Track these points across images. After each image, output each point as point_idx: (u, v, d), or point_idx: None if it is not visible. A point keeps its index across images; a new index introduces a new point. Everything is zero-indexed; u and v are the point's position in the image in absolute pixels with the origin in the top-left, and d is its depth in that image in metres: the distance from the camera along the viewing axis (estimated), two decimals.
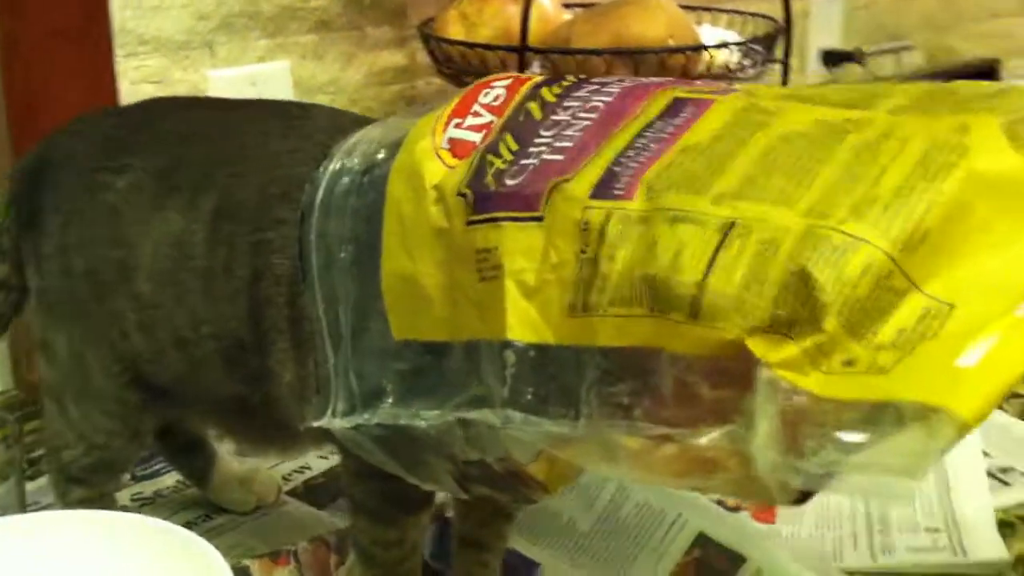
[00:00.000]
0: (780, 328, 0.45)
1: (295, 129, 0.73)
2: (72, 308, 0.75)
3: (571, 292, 0.51)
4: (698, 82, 0.58)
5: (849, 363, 0.44)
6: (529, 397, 0.53)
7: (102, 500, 0.80)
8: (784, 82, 1.21)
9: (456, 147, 0.59)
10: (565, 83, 0.59)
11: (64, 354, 0.76)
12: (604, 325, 0.50)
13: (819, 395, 0.44)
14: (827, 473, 0.44)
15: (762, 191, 0.48)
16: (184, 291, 0.71)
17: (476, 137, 0.59)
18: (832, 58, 1.74)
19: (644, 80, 0.58)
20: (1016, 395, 1.12)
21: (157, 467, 0.98)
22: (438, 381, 0.58)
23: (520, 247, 0.53)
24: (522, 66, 1.07)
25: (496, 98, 0.60)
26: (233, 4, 1.18)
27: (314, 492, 0.95)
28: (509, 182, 0.55)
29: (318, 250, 0.63)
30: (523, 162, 0.55)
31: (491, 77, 0.63)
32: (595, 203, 0.51)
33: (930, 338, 0.44)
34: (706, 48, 1.11)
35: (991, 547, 0.86)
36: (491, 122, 0.59)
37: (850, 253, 0.45)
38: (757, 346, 0.45)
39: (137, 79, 1.13)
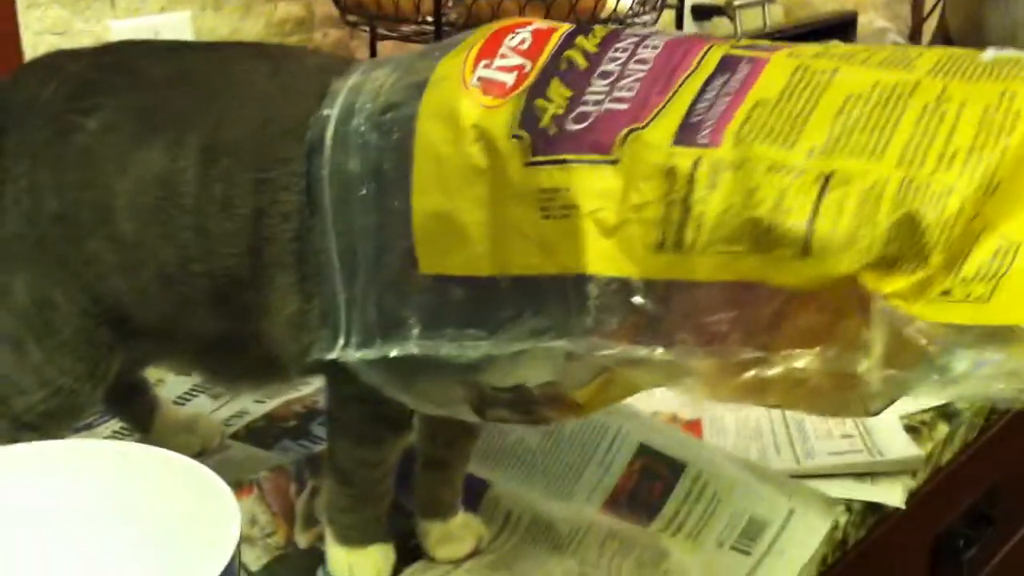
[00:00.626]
0: (888, 264, 0.51)
1: (284, 69, 0.74)
2: (39, 251, 0.74)
3: (657, 231, 0.55)
4: (733, 40, 0.63)
5: (946, 293, 0.51)
6: (615, 326, 0.57)
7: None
8: (679, 28, 1.26)
9: (487, 86, 0.61)
10: (601, 32, 0.63)
11: (25, 298, 0.75)
12: (703, 261, 0.54)
13: (935, 321, 0.50)
14: (942, 384, 0.51)
15: (849, 147, 0.53)
16: (172, 229, 0.71)
17: (508, 78, 0.62)
18: (702, 12, 1.81)
19: (680, 35, 0.63)
20: None
21: (90, 419, 0.97)
22: (475, 313, 0.61)
23: (595, 188, 0.57)
24: (438, 9, 1.10)
25: (523, 42, 0.63)
26: None
27: (256, 434, 0.96)
28: (574, 127, 0.58)
29: (332, 186, 0.65)
30: (583, 109, 0.59)
31: (508, 22, 0.66)
32: (680, 149, 0.56)
33: (1004, 273, 0.51)
34: None
35: (903, 447, 0.93)
36: (522, 64, 0.62)
37: (946, 198, 0.51)
38: (870, 279, 0.51)
39: (40, 30, 1.10)
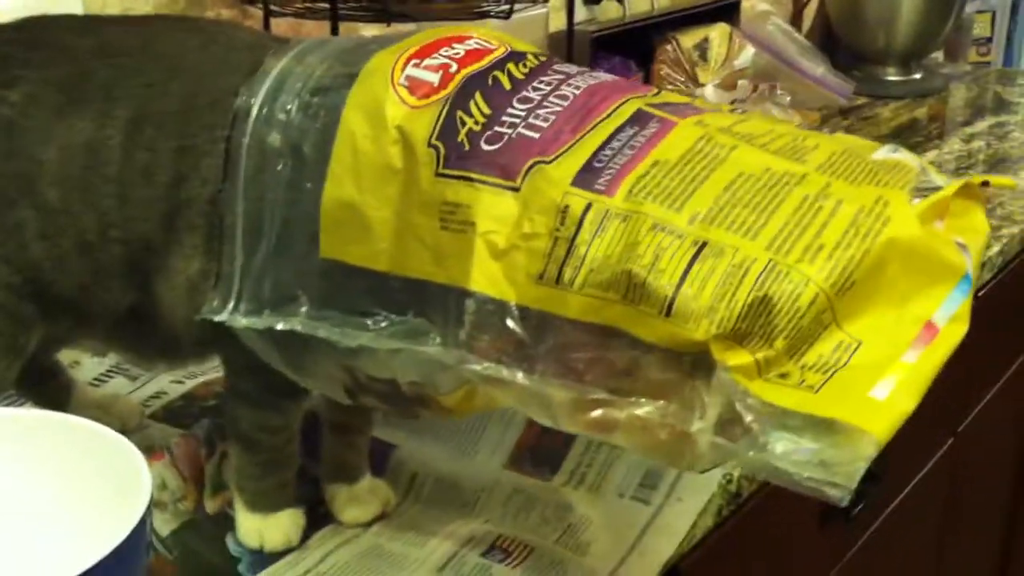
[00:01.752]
0: (737, 339, 0.55)
1: (215, 42, 0.75)
2: None
3: (540, 262, 0.59)
4: (650, 91, 0.67)
5: (784, 376, 0.55)
6: (485, 344, 0.60)
7: None
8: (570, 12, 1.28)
9: (414, 86, 0.65)
10: (532, 63, 0.67)
11: None
12: (576, 300, 0.58)
13: (765, 400, 0.54)
14: (758, 461, 0.55)
15: (728, 220, 0.57)
16: (95, 196, 0.72)
17: (434, 77, 0.65)
18: None
19: (605, 80, 0.67)
20: None
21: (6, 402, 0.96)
22: (364, 303, 0.65)
23: (493, 211, 0.61)
24: None
25: (457, 53, 0.67)
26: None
27: (174, 414, 0.95)
28: (486, 147, 0.62)
29: (250, 155, 0.68)
30: (498, 129, 0.63)
31: (453, 33, 0.69)
32: (576, 191, 0.60)
33: (842, 367, 0.55)
34: None
35: None
36: (448, 65, 0.65)
37: (802, 288, 0.55)
38: (717, 349, 0.55)
39: None
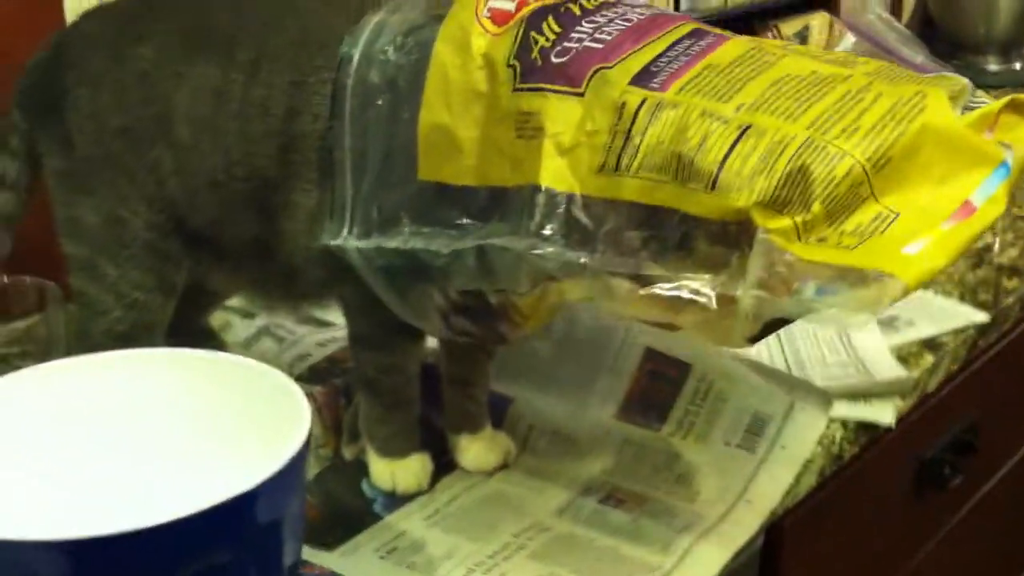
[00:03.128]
0: (777, 206, 0.60)
1: None
2: (106, 170, 0.82)
3: (601, 155, 0.65)
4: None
5: (822, 239, 0.61)
6: (552, 232, 0.67)
7: None
8: None
9: (495, 15, 0.72)
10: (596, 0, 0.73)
11: (96, 220, 0.83)
12: (631, 184, 0.64)
13: (801, 257, 0.60)
14: (801, 309, 0.61)
15: (772, 108, 0.63)
16: (220, 134, 0.79)
17: (511, 5, 0.72)
18: None
19: (670, 12, 0.74)
20: None
21: None
22: (456, 216, 0.72)
23: (560, 115, 0.67)
24: None
25: None
26: None
27: (319, 375, 1.01)
28: (555, 60, 0.69)
29: (355, 94, 0.75)
30: (566, 44, 0.69)
31: None
32: (633, 88, 0.66)
33: (879, 234, 0.60)
34: None
35: (893, 369, 1.01)
36: None
37: (838, 160, 0.61)
38: (759, 215, 0.60)
39: None
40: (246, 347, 1.08)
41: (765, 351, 1.05)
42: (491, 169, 0.70)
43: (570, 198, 0.66)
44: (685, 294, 0.63)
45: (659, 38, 0.69)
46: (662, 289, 0.64)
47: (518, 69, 0.69)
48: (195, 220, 0.82)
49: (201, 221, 0.82)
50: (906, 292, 0.58)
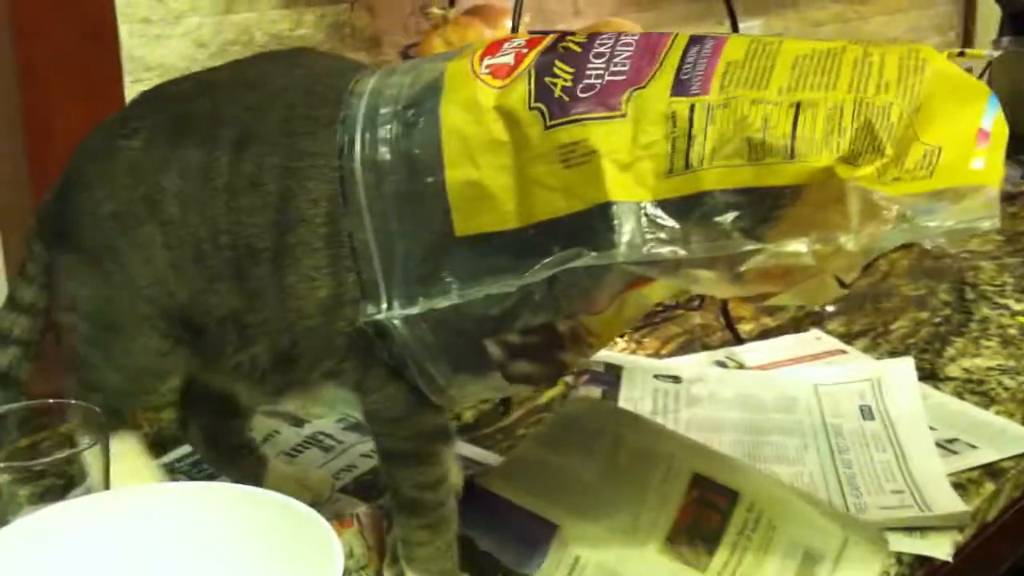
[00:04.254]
0: (854, 158, 0.68)
1: (298, 67, 0.86)
2: (101, 252, 0.85)
3: (665, 162, 0.71)
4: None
5: (896, 179, 0.68)
6: (639, 238, 0.70)
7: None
8: None
9: (495, 70, 0.76)
10: (581, 36, 0.78)
11: (97, 305, 0.87)
12: (708, 175, 0.70)
13: (892, 195, 0.67)
14: (915, 234, 0.68)
15: (808, 85, 0.70)
16: (207, 206, 0.82)
17: (510, 59, 0.77)
18: None
19: (652, 33, 0.78)
20: (950, 378, 1.26)
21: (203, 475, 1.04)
22: (504, 260, 0.74)
23: (609, 136, 0.71)
24: None
25: (519, 45, 0.78)
26: (228, 33, 1.26)
27: (364, 487, 1.01)
28: (583, 95, 0.73)
29: (365, 175, 0.77)
30: (588, 81, 0.73)
31: (502, 38, 0.81)
32: (677, 98, 0.71)
33: (938, 164, 0.68)
34: None
35: (951, 502, 0.98)
36: (520, 50, 0.77)
37: (889, 109, 0.69)
38: (842, 169, 0.68)
39: None
40: (292, 456, 1.08)
41: (819, 474, 1.03)
42: (535, 206, 0.73)
43: (646, 205, 0.71)
44: (785, 259, 0.69)
45: (668, 52, 0.74)
46: (760, 262, 0.69)
47: (545, 110, 0.73)
48: (181, 295, 0.84)
49: (186, 296, 0.84)
50: (998, 190, 0.67)
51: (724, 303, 1.38)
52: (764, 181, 0.69)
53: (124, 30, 1.17)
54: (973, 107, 0.70)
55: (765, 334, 1.38)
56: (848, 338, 1.37)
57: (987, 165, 0.68)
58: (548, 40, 0.78)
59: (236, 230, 0.81)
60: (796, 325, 1.41)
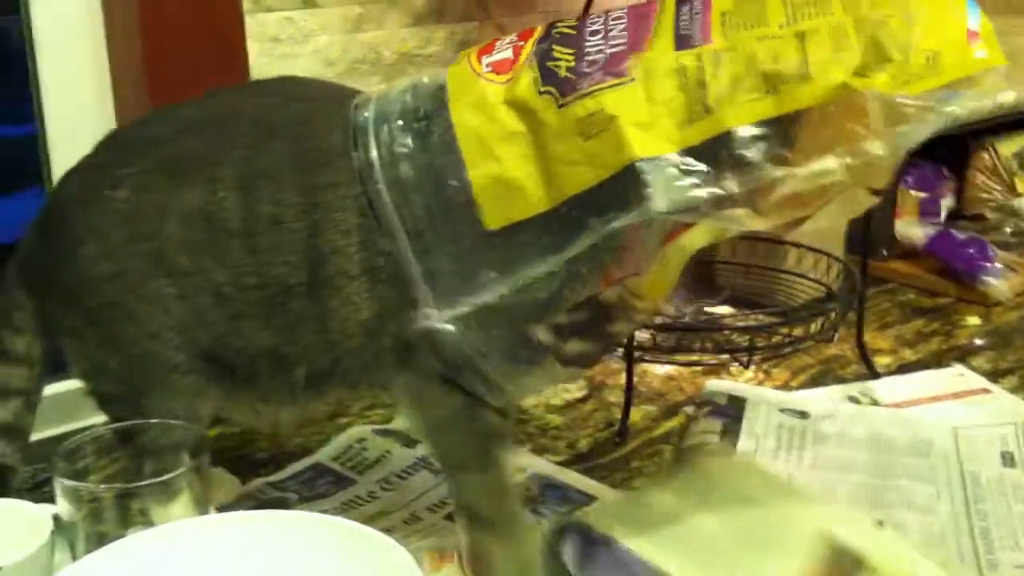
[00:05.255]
0: (867, 70, 0.70)
1: (295, 100, 0.86)
2: (113, 314, 0.84)
3: (684, 111, 0.72)
4: None
5: (906, 82, 0.71)
6: (672, 184, 0.71)
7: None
8: None
9: (496, 67, 0.78)
10: (573, 21, 0.80)
11: (117, 362, 0.85)
12: (729, 112, 0.71)
13: (910, 94, 0.70)
14: (943, 116, 0.71)
15: (805, 14, 0.72)
16: (224, 251, 0.81)
17: (509, 54, 0.79)
18: None
19: (636, 5, 0.80)
20: None
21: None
22: (542, 243, 0.75)
23: (623, 100, 0.73)
24: None
25: (512, 40, 0.80)
26: (356, 51, 1.26)
27: None
28: (588, 69, 0.75)
29: (392, 194, 0.78)
30: (590, 57, 0.75)
31: (493, 39, 0.82)
32: (682, 53, 0.73)
33: (943, 60, 0.71)
34: None
35: None
36: (516, 43, 0.79)
37: (891, 20, 0.71)
38: (859, 82, 0.70)
39: None
40: (403, 478, 1.08)
41: (951, 525, 0.97)
42: (564, 184, 0.75)
43: (673, 157, 0.72)
44: (817, 179, 0.71)
45: (660, 15, 0.76)
46: (794, 185, 0.71)
47: (555, 91, 0.75)
48: (204, 339, 0.84)
49: (208, 340, 0.84)
50: (1005, 65, 0.72)
51: (860, 335, 1.32)
52: (784, 108, 0.71)
53: (253, 48, 1.18)
54: (956, 13, 0.73)
55: (903, 368, 1.32)
56: (994, 376, 1.29)
57: (989, 52, 0.72)
58: (540, 30, 0.80)
59: (263, 270, 0.81)
60: (938, 359, 1.34)
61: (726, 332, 1.20)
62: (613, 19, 0.78)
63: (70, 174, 0.90)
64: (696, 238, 0.76)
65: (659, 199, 0.71)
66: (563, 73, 0.75)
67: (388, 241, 0.78)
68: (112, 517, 0.75)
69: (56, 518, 0.77)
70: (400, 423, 1.18)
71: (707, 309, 1.39)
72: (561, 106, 0.74)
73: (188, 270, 0.82)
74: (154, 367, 0.84)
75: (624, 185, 0.72)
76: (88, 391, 0.89)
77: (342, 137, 0.80)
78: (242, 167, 0.81)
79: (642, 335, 1.16)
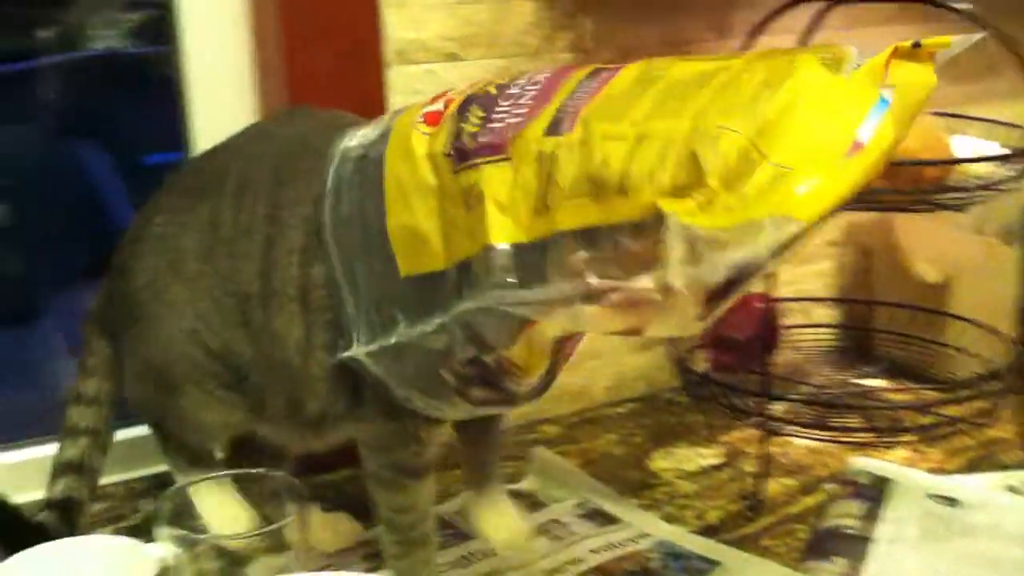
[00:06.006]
0: (678, 192, 0.68)
1: (292, 123, 0.95)
2: (148, 321, 0.92)
3: (534, 200, 0.73)
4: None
5: (727, 208, 0.66)
6: (511, 280, 0.74)
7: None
8: None
9: (428, 118, 0.81)
10: (507, 78, 0.81)
11: (150, 369, 0.93)
12: (560, 215, 0.72)
13: (707, 227, 0.66)
14: (716, 270, 0.67)
15: (661, 114, 0.71)
16: (216, 257, 0.88)
17: (440, 106, 0.82)
18: None
19: (571, 65, 0.84)
20: None
21: None
22: (438, 298, 0.79)
23: (494, 179, 0.75)
24: None
25: (454, 91, 0.83)
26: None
27: None
28: (482, 139, 0.77)
29: (334, 225, 0.83)
30: (489, 125, 0.77)
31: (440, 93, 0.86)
32: (548, 139, 0.74)
33: (777, 187, 0.66)
34: (959, 162, 1.10)
35: None
36: (449, 97, 0.82)
37: (722, 138, 0.67)
38: (666, 204, 0.68)
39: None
40: (529, 539, 1.05)
41: None
42: (455, 248, 0.78)
43: (517, 246, 0.74)
44: (633, 295, 0.69)
45: (564, 86, 0.77)
46: (615, 297, 0.70)
47: (454, 156, 0.77)
48: (213, 342, 0.90)
49: (216, 343, 0.90)
50: (801, 228, 0.65)
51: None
52: (607, 218, 0.70)
53: (395, 101, 1.17)
54: (848, 117, 0.69)
55: None
56: None
57: (815, 190, 0.66)
58: (478, 86, 0.82)
59: (236, 276, 0.88)
60: None
61: (872, 410, 1.13)
62: (531, 84, 0.79)
63: (131, 223, 0.97)
64: (550, 327, 0.78)
65: (496, 292, 0.74)
66: (465, 137, 0.78)
67: (327, 267, 0.84)
68: (213, 566, 0.76)
69: (161, 560, 0.78)
70: (528, 484, 1.16)
71: (858, 381, 1.32)
72: (455, 171, 0.77)
73: (195, 273, 0.89)
74: (180, 368, 0.91)
75: (480, 266, 0.75)
76: (133, 404, 0.97)
77: (315, 162, 0.86)
78: (239, 179, 0.89)
79: (780, 406, 1.11)
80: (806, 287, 1.48)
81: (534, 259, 0.73)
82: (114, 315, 0.96)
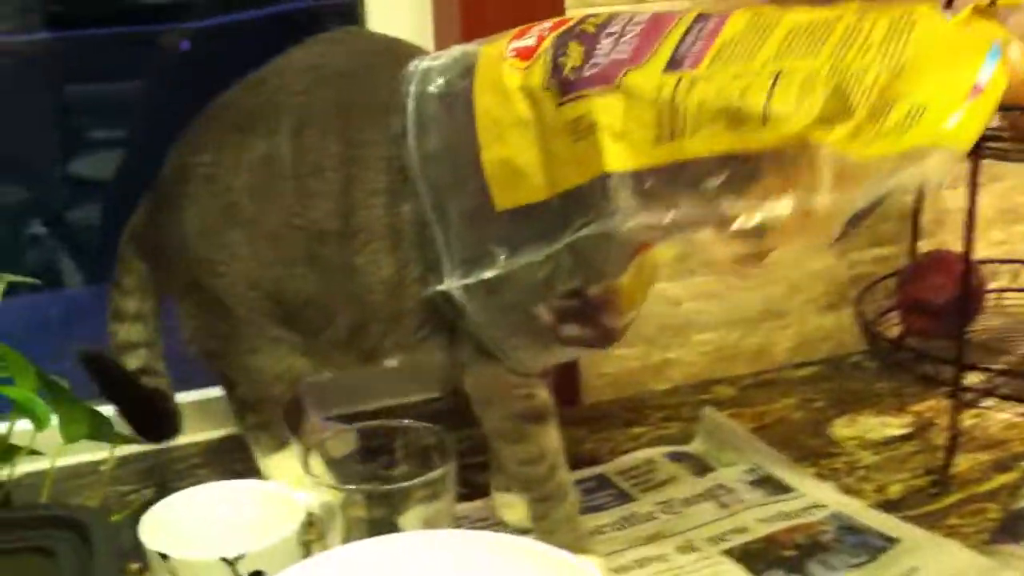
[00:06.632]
0: (825, 122, 0.71)
1: (342, 43, 0.93)
2: (201, 271, 0.91)
3: (655, 131, 0.75)
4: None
5: (879, 136, 0.70)
6: (633, 203, 0.76)
7: (270, 425, 0.97)
8: None
9: (520, 52, 0.82)
10: (603, 16, 0.83)
11: (209, 316, 0.93)
12: (691, 143, 0.74)
13: (861, 154, 0.70)
14: (878, 191, 0.71)
15: (791, 55, 0.74)
16: (277, 193, 0.87)
17: (532, 41, 0.82)
18: None
19: (667, 12, 0.83)
20: None
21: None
22: (539, 229, 0.80)
23: (606, 109, 0.76)
24: None
25: (543, 28, 0.83)
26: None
27: (750, 556, 0.93)
28: (588, 73, 0.78)
29: (422, 162, 0.83)
30: (594, 60, 0.78)
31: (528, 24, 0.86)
32: (667, 74, 0.76)
33: (916, 123, 0.70)
34: None
35: None
36: (541, 32, 0.82)
37: (863, 74, 0.72)
38: (814, 133, 0.71)
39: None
40: (686, 504, 1.02)
41: None
42: (558, 178, 0.79)
43: (637, 174, 0.75)
44: (768, 220, 0.72)
45: (672, 30, 0.78)
46: (748, 221, 0.72)
47: (556, 88, 0.78)
48: (267, 283, 0.89)
49: (271, 284, 0.89)
50: (959, 157, 0.70)
51: None
52: (744, 146, 0.72)
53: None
54: (967, 63, 0.72)
55: None
56: None
57: (960, 123, 0.70)
58: (571, 22, 0.83)
59: (306, 214, 0.86)
60: None
61: None
62: (631, 24, 0.80)
63: (169, 157, 0.96)
64: (663, 253, 0.83)
65: (619, 216, 0.76)
66: (567, 71, 0.78)
67: (415, 204, 0.83)
68: (360, 517, 0.75)
69: (309, 507, 0.78)
70: (696, 446, 1.12)
71: None
72: (560, 104, 0.78)
73: (252, 216, 0.88)
74: (236, 314, 0.91)
75: (597, 193, 0.77)
76: (195, 352, 0.97)
77: (387, 97, 0.84)
78: (298, 115, 0.87)
79: (977, 376, 1.03)
80: (1018, 248, 1.38)
81: (658, 185, 0.75)
82: (161, 254, 0.96)
